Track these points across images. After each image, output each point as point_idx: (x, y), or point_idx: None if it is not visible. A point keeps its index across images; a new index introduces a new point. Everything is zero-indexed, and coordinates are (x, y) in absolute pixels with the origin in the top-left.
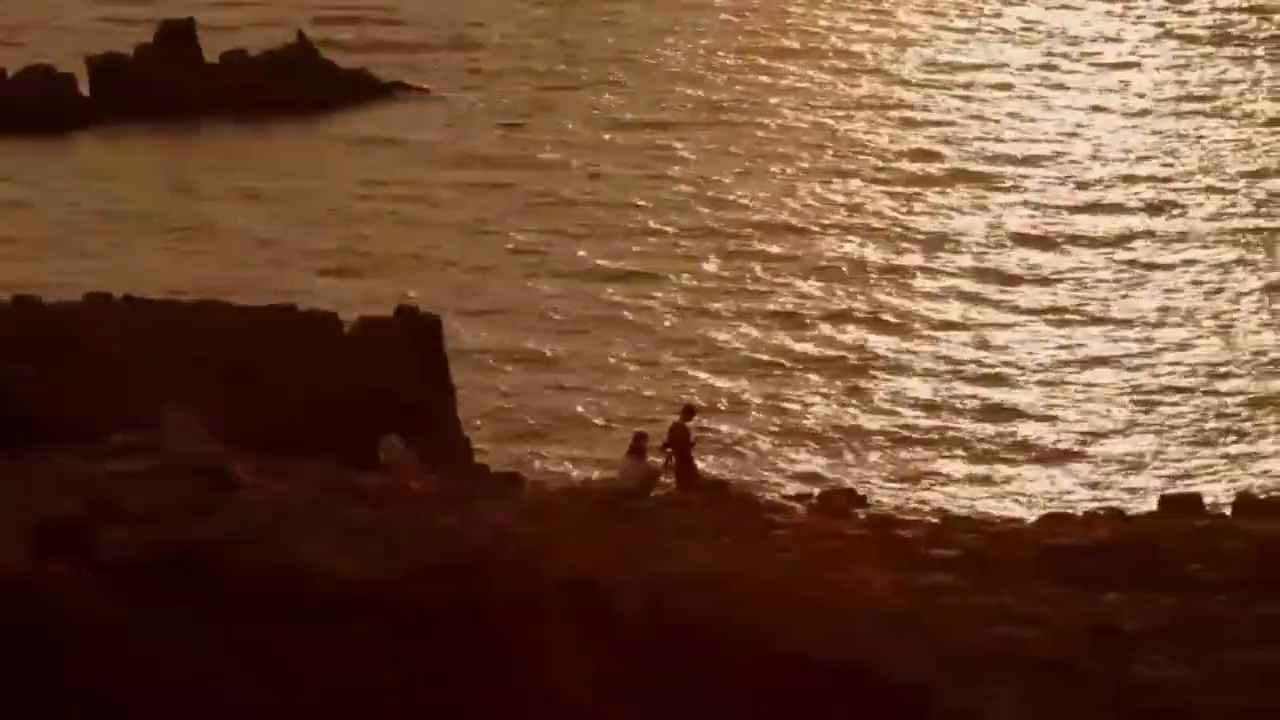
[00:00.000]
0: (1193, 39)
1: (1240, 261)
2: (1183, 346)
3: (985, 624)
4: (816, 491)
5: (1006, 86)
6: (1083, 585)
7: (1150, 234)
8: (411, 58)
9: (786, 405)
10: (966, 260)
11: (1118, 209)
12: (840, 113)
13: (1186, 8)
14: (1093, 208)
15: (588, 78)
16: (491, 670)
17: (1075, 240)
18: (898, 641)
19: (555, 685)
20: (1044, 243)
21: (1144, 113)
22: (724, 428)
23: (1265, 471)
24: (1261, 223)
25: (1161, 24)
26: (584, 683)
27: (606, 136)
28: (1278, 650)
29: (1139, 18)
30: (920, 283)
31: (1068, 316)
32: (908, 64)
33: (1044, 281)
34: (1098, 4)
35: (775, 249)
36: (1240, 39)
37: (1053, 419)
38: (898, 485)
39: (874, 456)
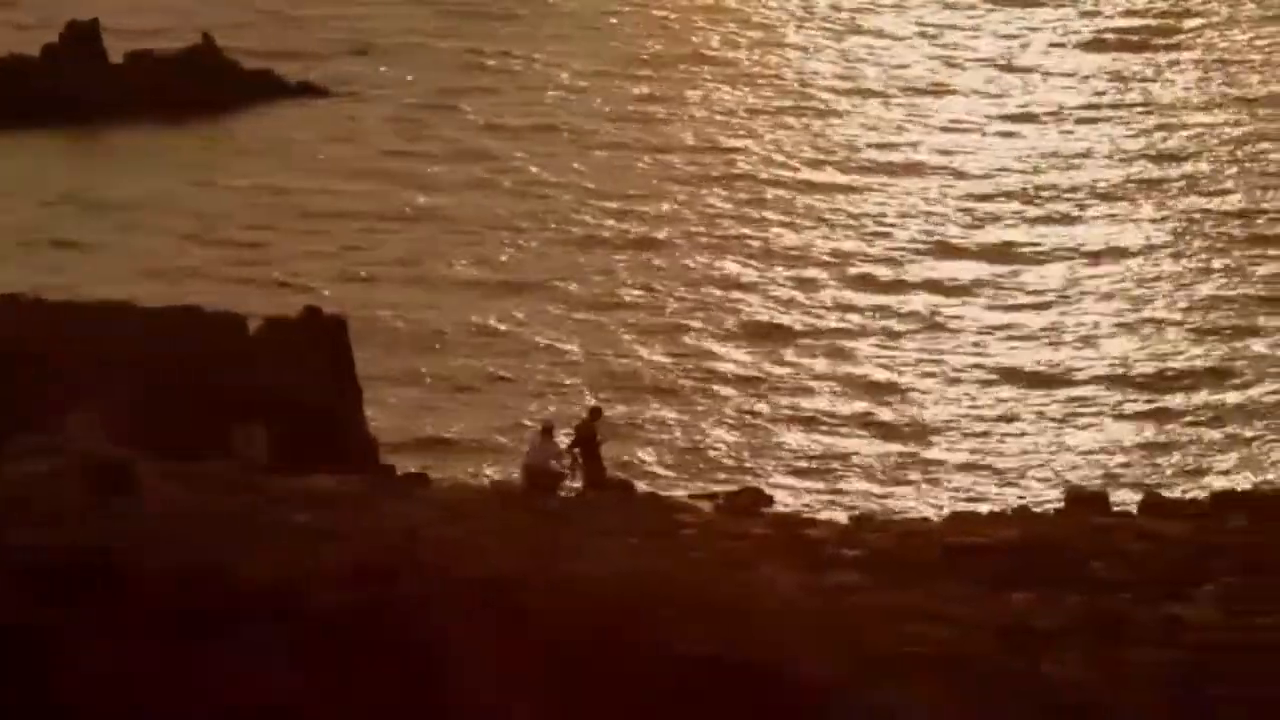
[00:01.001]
0: (1093, 44)
1: (1142, 267)
2: (1086, 347)
3: (895, 623)
4: (718, 490)
5: (900, 91)
6: (991, 584)
7: (1043, 240)
8: (315, 61)
9: (688, 409)
10: (857, 268)
11: (1010, 216)
12: (731, 120)
13: (1083, 11)
14: (985, 216)
15: (486, 84)
16: (403, 671)
17: (968, 248)
18: (808, 641)
19: (467, 685)
20: (937, 251)
21: (1040, 117)
22: (630, 429)
23: (1172, 471)
24: (1159, 228)
25: (1060, 28)
26: (495, 683)
27: (498, 144)
28: (1181, 650)
29: (1044, 23)
30: (819, 292)
31: (960, 323)
32: (799, 72)
33: (939, 288)
34: (998, 10)
35: (665, 259)
36: (1140, 45)
37: (955, 422)
38: (803, 486)
39: (779, 458)
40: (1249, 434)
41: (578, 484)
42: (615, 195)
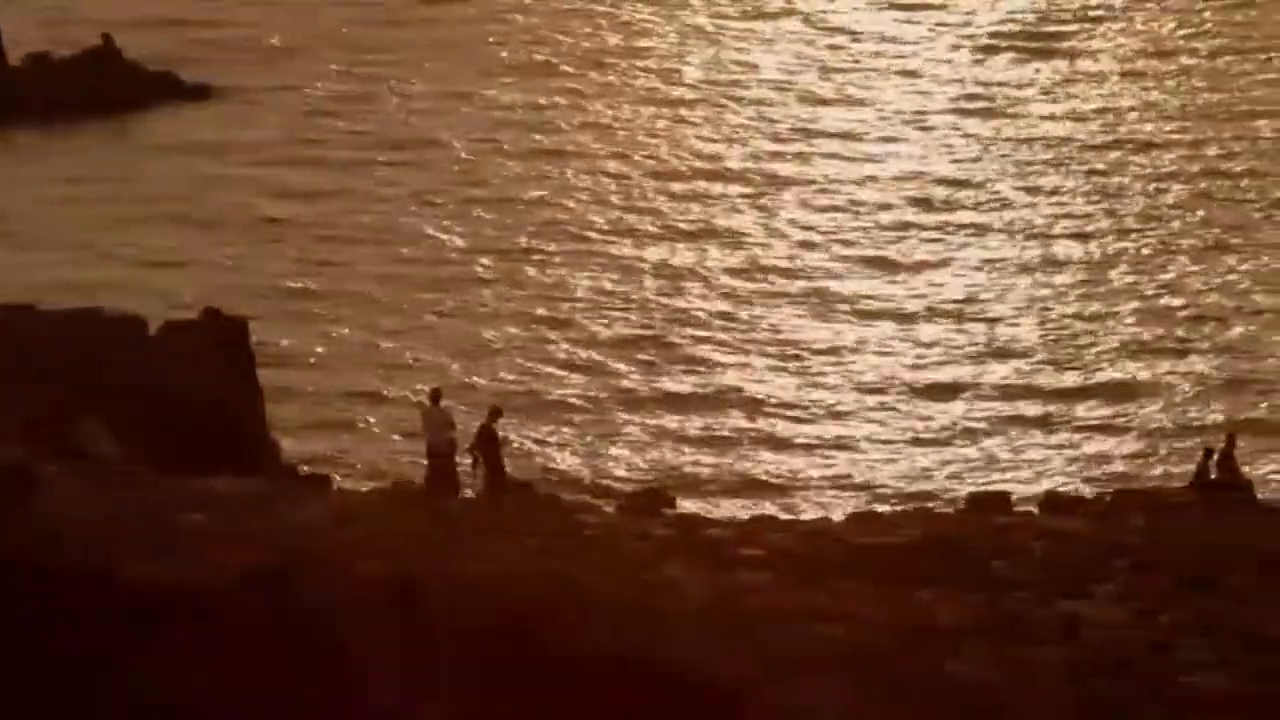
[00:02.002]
0: (982, 43)
1: (1018, 260)
2: (985, 355)
3: (799, 622)
4: (619, 490)
5: (784, 88)
6: (894, 583)
7: (937, 250)
8: (218, 61)
9: (587, 407)
10: (743, 262)
11: (893, 208)
12: (614, 128)
13: (973, 10)
14: (870, 207)
15: (392, 85)
16: (305, 672)
17: (854, 240)
18: (712, 640)
19: (370, 687)
20: (819, 246)
21: (926, 113)
22: (530, 429)
23: (1072, 470)
24: (1034, 218)
25: (944, 24)
26: (398, 684)
27: (397, 142)
28: (1079, 649)
29: (938, 25)
30: (712, 283)
31: (854, 332)
32: (690, 66)
33: (830, 297)
34: (889, 7)
35: (559, 253)
36: (1027, 41)
37: (853, 418)
38: (703, 487)
39: (679, 459)
40: (1149, 433)
41: (479, 484)
42: (497, 204)
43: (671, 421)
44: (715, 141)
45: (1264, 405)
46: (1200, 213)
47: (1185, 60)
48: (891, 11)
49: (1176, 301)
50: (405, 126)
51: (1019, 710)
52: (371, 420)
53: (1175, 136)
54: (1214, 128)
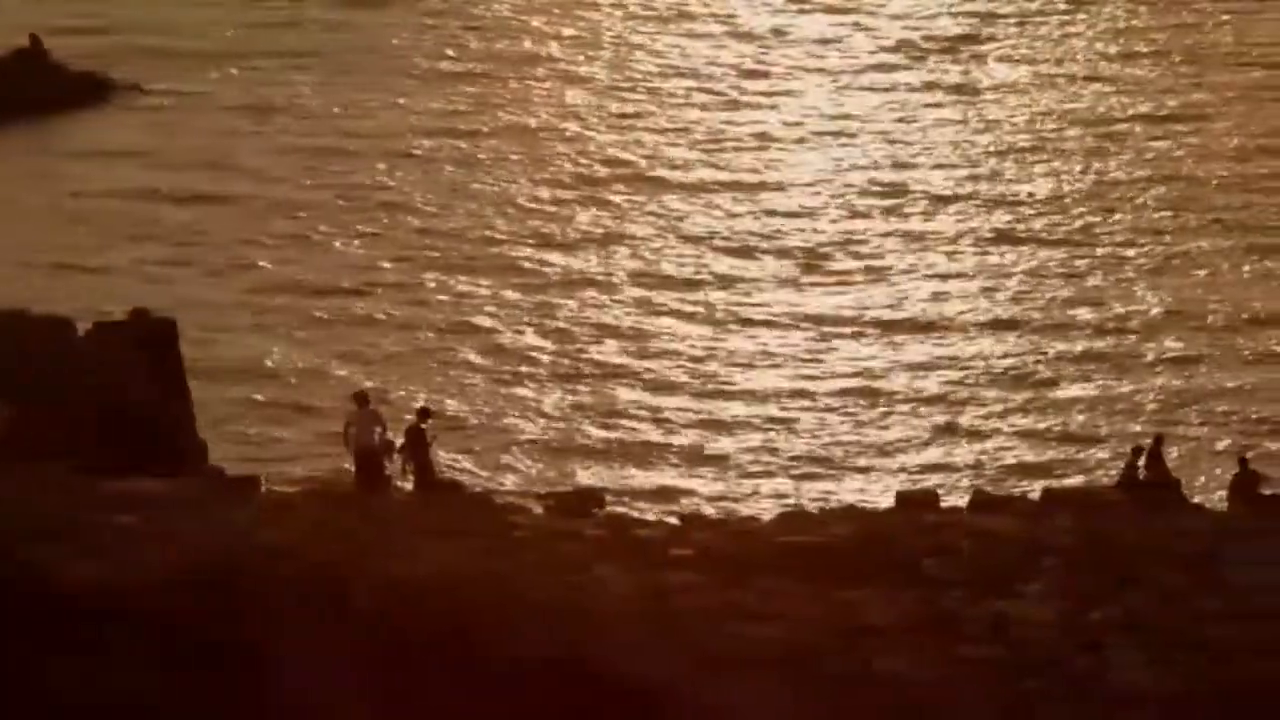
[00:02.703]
0: (905, 46)
1: (942, 265)
2: (909, 348)
3: (728, 622)
4: (549, 490)
5: (708, 91)
6: (823, 582)
7: (855, 245)
8: (146, 65)
9: (509, 410)
10: (653, 268)
11: (812, 214)
12: (536, 121)
13: (903, 12)
14: (789, 213)
15: (314, 87)
16: (235, 673)
17: (768, 247)
18: (643, 641)
19: (299, 686)
20: (739, 250)
21: (850, 118)
22: (458, 430)
23: (1001, 468)
24: (959, 222)
25: (870, 28)
26: (327, 684)
27: (319, 145)
28: (1009, 647)
29: (861, 26)
30: (621, 289)
31: (778, 330)
32: (605, 70)
33: (752, 292)
34: (819, 11)
35: (482, 259)
36: (948, 44)
37: (780, 420)
38: (633, 487)
39: (603, 457)
40: (1075, 432)
41: (408, 484)
42: (410, 210)
43: (588, 427)
44: (629, 146)
45: (1193, 409)
46: (1130, 220)
47: (1110, 65)
48: (814, 14)
49: (1102, 305)
50: (324, 132)
51: (949, 709)
52: (299, 421)
53: (1101, 144)
54: (1142, 128)
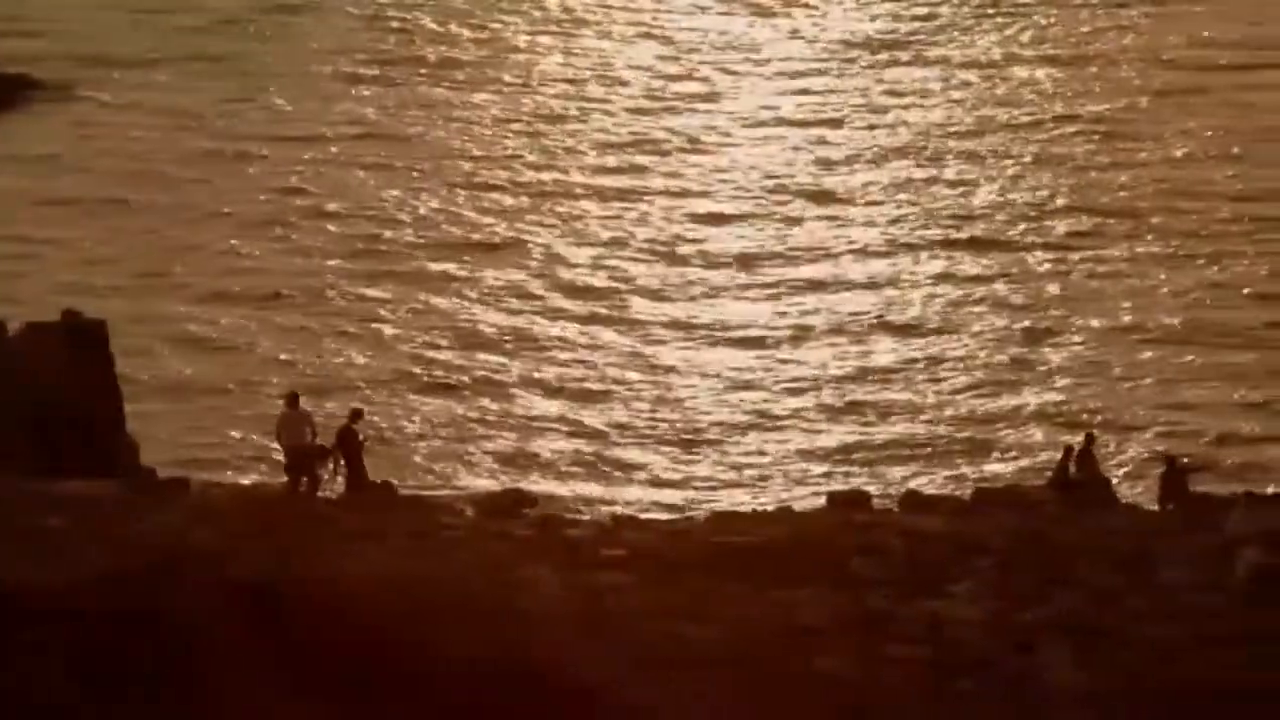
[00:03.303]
0: (834, 49)
1: (865, 267)
2: (836, 349)
3: (661, 622)
4: (480, 491)
5: (627, 95)
6: (756, 583)
7: (775, 246)
8: (70, 66)
9: (445, 413)
10: (582, 274)
11: (738, 222)
12: (455, 126)
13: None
14: (714, 218)
15: (239, 93)
16: (171, 676)
17: (697, 254)
18: (575, 641)
19: (234, 689)
20: (668, 256)
21: (769, 123)
22: (390, 431)
23: (932, 468)
24: (883, 226)
25: (796, 31)
26: (258, 687)
27: (248, 151)
28: (941, 647)
29: (790, 30)
30: (536, 296)
31: (697, 331)
32: (532, 72)
33: (673, 291)
34: (746, 13)
35: (399, 264)
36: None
37: (709, 418)
38: (562, 487)
39: (538, 460)
40: (1006, 431)
41: (340, 486)
42: (323, 217)
43: (511, 431)
44: (549, 151)
45: (1113, 409)
46: (1055, 225)
47: (1037, 69)
48: (745, 15)
49: (1029, 309)
50: (244, 137)
51: (882, 709)
52: (230, 423)
53: (1026, 148)
54: (1066, 131)
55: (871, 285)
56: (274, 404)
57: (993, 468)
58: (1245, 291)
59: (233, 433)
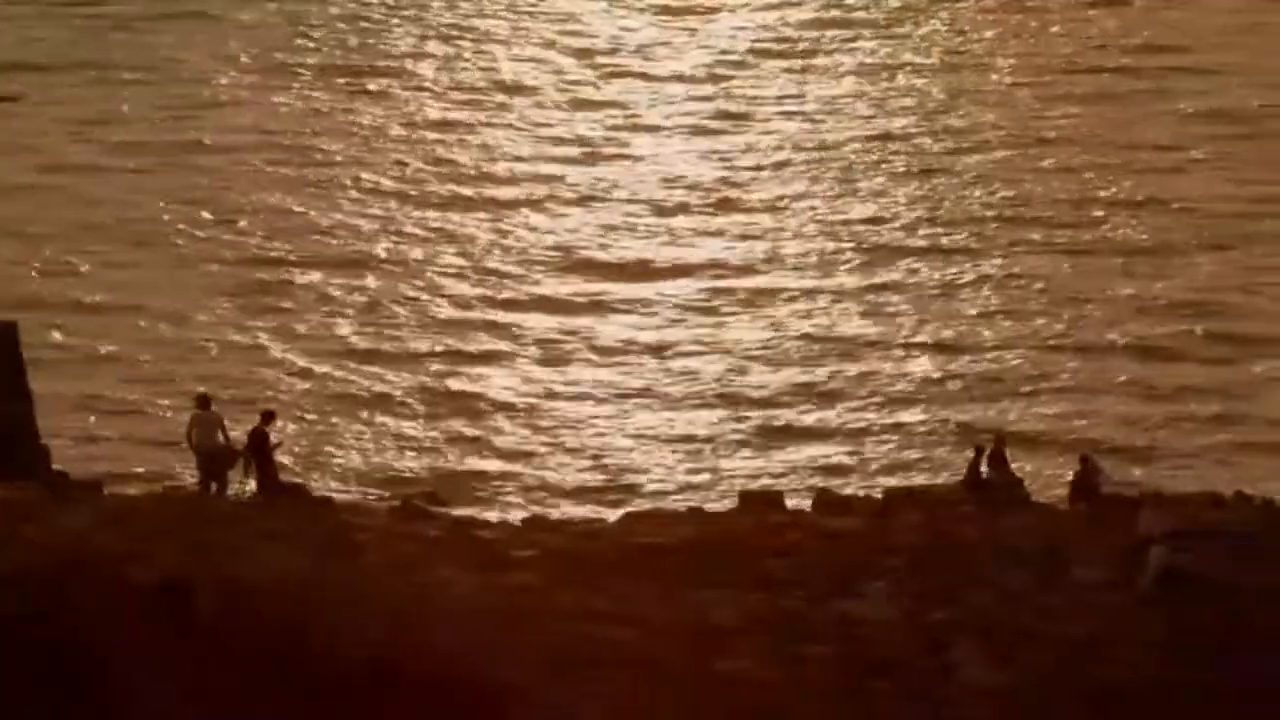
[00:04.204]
0: (733, 53)
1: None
2: (740, 355)
3: (573, 623)
4: (391, 493)
5: (529, 94)
6: (669, 582)
7: (669, 240)
8: None
9: (354, 417)
10: (480, 271)
11: (640, 232)
12: (362, 127)
13: (731, 21)
14: (617, 215)
15: (144, 97)
16: (76, 676)
17: (595, 261)
18: (486, 642)
19: (137, 690)
20: (566, 266)
21: (687, 131)
22: (300, 435)
23: (846, 469)
24: (783, 227)
25: (696, 32)
26: (167, 688)
27: (140, 163)
28: (853, 647)
29: (689, 32)
30: (446, 291)
31: (612, 328)
32: (442, 78)
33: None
34: (646, 18)
35: (313, 268)
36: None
37: (622, 419)
38: (474, 488)
39: (448, 459)
40: (919, 432)
41: (251, 488)
42: (239, 214)
43: (419, 428)
44: (456, 158)
45: (1020, 409)
46: (964, 232)
47: (941, 72)
48: (647, 16)
49: (940, 317)
50: (153, 142)
51: (794, 709)
52: (141, 426)
53: (932, 153)
54: (976, 134)
55: (777, 291)
56: (181, 408)
57: (906, 469)
58: (1162, 302)
59: (148, 434)
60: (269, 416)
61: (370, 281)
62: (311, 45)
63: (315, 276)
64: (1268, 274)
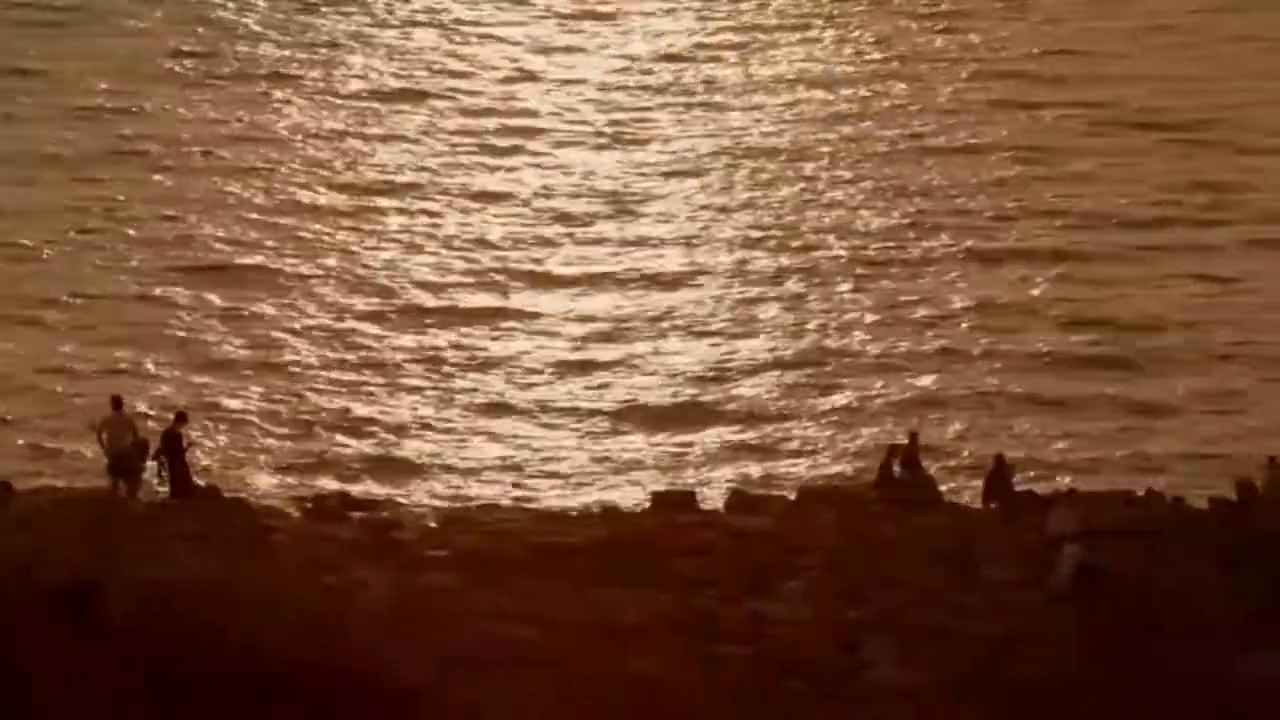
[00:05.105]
0: (635, 61)
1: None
2: (650, 351)
3: (484, 622)
4: (305, 494)
5: (427, 99)
6: (580, 582)
7: (566, 249)
8: None
9: (268, 419)
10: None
11: (549, 240)
12: (265, 129)
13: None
14: (511, 222)
15: (32, 97)
16: None
17: (493, 257)
18: (397, 643)
19: (46, 693)
20: (460, 261)
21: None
22: (218, 435)
23: (758, 469)
24: (685, 232)
25: (600, 38)
26: (75, 691)
27: (39, 154)
28: (766, 647)
29: (593, 38)
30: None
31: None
32: (336, 80)
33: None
34: (548, 25)
35: (205, 269)
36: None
37: (535, 416)
38: (391, 488)
39: (364, 461)
40: (830, 432)
41: (164, 489)
42: (143, 217)
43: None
44: (353, 158)
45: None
46: (869, 228)
47: (848, 71)
48: (550, 21)
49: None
50: (44, 140)
51: (706, 709)
52: (51, 427)
53: (835, 153)
54: (879, 135)
55: (672, 290)
56: (92, 410)
57: (818, 469)
58: (1056, 314)
59: (58, 436)
60: (182, 418)
61: (256, 293)
62: (206, 45)
63: (190, 287)
64: (1174, 281)
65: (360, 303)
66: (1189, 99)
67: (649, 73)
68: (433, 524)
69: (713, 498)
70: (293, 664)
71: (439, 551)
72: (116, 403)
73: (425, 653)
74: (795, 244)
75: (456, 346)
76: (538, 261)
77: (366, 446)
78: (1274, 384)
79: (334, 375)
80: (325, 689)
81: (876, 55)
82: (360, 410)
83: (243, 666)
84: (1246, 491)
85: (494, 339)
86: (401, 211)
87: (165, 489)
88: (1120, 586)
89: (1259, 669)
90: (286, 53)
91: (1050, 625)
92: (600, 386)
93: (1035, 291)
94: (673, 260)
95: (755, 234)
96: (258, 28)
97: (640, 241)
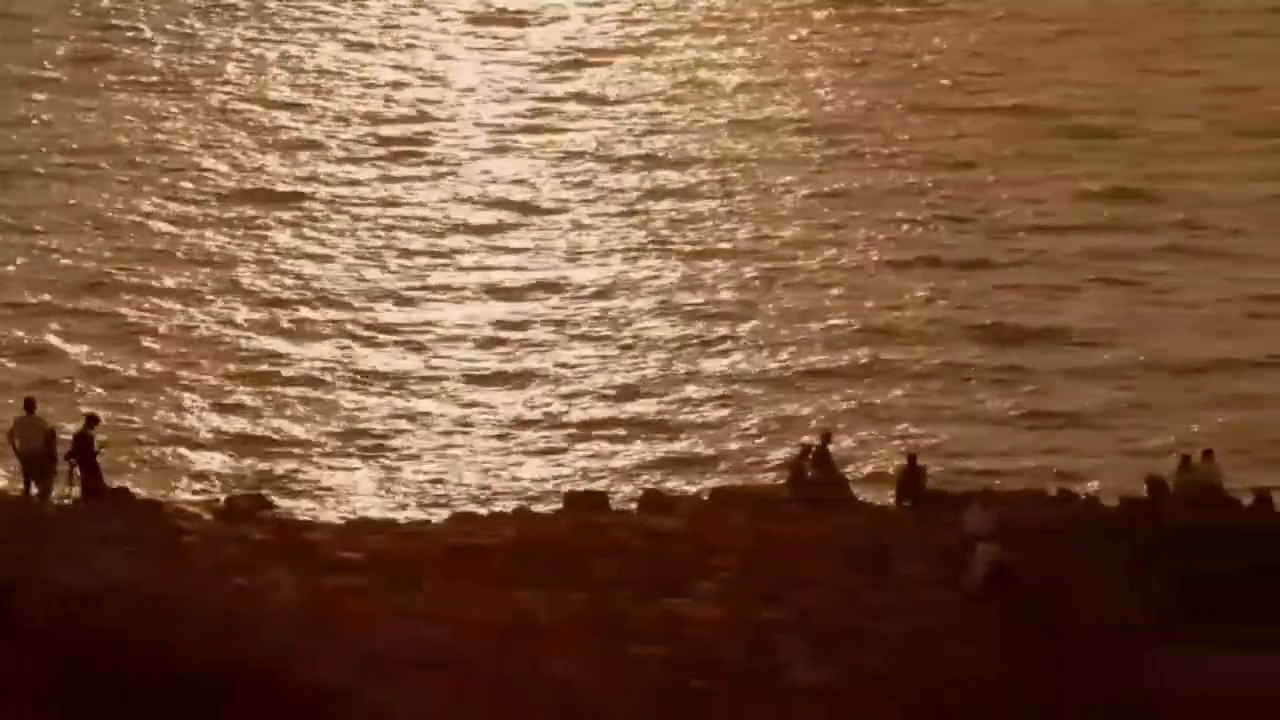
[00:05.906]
0: (547, 60)
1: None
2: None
3: (396, 624)
4: (217, 496)
5: (336, 101)
6: (493, 584)
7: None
8: None
9: (181, 412)
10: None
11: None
12: (161, 137)
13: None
14: (430, 223)
15: None
16: None
17: (409, 261)
18: (308, 644)
19: None
20: (375, 268)
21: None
22: (124, 437)
23: (670, 469)
24: (596, 234)
25: (509, 40)
26: None
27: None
28: (680, 647)
29: (504, 40)
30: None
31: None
32: (241, 84)
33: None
34: (454, 27)
35: (106, 278)
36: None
37: (435, 418)
38: (302, 489)
39: (275, 462)
40: (749, 432)
41: (75, 492)
42: (36, 228)
43: (245, 427)
44: (253, 164)
45: (863, 413)
46: (792, 232)
47: (777, 73)
48: (452, 30)
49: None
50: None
51: (620, 709)
52: None
53: (760, 154)
54: (799, 138)
55: (576, 299)
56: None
57: (728, 470)
58: (967, 323)
59: None
60: (93, 420)
61: (169, 304)
62: (106, 46)
63: (115, 286)
64: (1089, 287)
65: (246, 314)
66: (1104, 103)
67: (547, 78)
68: (344, 525)
69: (625, 495)
70: (206, 665)
71: (351, 553)
72: (29, 405)
73: (338, 653)
74: (699, 253)
75: (347, 360)
76: (432, 270)
77: (262, 464)
78: (1189, 392)
79: (226, 389)
80: (239, 690)
81: (788, 60)
82: (252, 429)
83: (158, 668)
84: (1158, 489)
85: (393, 350)
86: (290, 223)
87: (76, 491)
88: (1035, 585)
89: (1170, 666)
90: (175, 58)
91: (966, 624)
92: (508, 396)
93: (944, 301)
94: (574, 269)
95: (657, 243)
96: (149, 32)
97: (538, 249)
